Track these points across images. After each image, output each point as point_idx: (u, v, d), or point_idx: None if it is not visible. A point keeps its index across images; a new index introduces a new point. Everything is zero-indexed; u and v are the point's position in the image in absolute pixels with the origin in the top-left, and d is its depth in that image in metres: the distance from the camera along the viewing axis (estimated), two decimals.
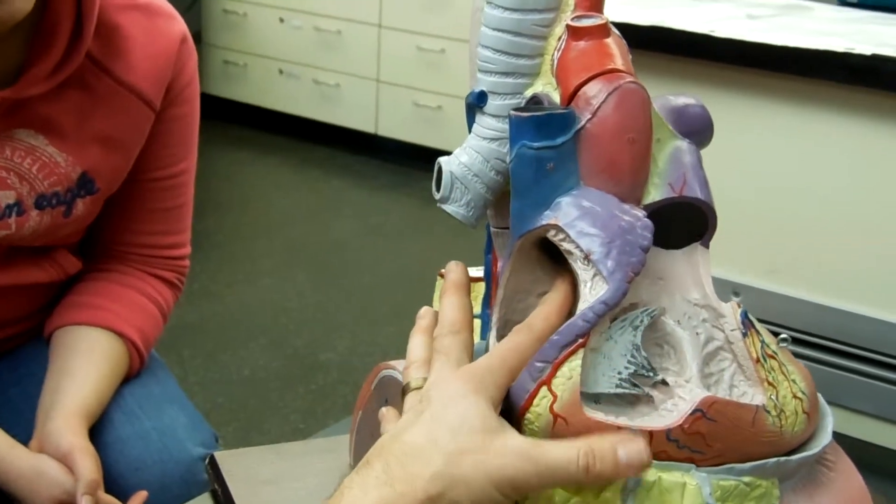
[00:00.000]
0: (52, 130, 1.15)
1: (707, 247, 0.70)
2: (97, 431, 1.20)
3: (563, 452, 0.60)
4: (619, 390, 0.63)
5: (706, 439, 0.61)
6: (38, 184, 1.16)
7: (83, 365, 1.21)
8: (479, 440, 0.60)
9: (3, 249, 1.20)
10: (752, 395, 0.64)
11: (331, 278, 3.44)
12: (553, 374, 0.63)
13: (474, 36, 0.71)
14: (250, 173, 4.44)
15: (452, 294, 0.71)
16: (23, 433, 1.15)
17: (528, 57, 0.69)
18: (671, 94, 0.72)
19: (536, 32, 0.69)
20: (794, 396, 0.65)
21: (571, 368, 0.62)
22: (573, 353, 0.63)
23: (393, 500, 0.59)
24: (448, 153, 0.72)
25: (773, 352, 0.67)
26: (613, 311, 0.64)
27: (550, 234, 0.66)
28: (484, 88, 0.70)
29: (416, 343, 0.70)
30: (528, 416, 0.63)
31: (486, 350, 0.69)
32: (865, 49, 1.26)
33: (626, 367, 0.64)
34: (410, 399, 0.66)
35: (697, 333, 0.66)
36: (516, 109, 0.66)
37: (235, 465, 1.00)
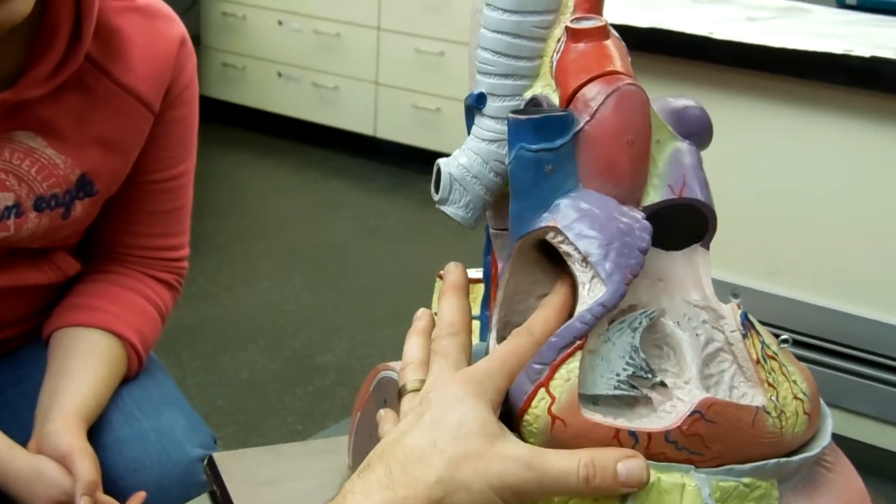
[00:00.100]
0: (51, 132, 1.15)
1: (707, 248, 0.70)
2: (96, 433, 1.20)
3: (564, 463, 0.60)
4: (618, 392, 0.63)
5: (705, 441, 0.61)
6: (37, 186, 1.16)
7: (82, 366, 1.21)
8: (479, 445, 0.60)
9: (2, 251, 1.20)
10: (753, 397, 0.64)
11: (329, 280, 3.44)
12: (551, 376, 0.62)
13: (474, 38, 0.71)
14: (249, 175, 4.44)
15: (451, 295, 0.71)
16: (21, 434, 1.16)
17: (527, 59, 0.69)
18: (670, 96, 0.72)
19: (535, 34, 0.69)
20: (795, 397, 0.65)
21: (569, 370, 0.62)
22: (571, 354, 0.63)
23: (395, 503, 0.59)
24: (447, 155, 0.72)
25: (774, 353, 0.67)
26: (612, 312, 0.64)
27: (549, 236, 0.66)
28: (483, 90, 0.70)
29: (413, 344, 0.70)
30: (526, 417, 0.63)
31: (486, 352, 0.69)
32: (864, 51, 1.26)
33: (625, 369, 0.64)
34: (408, 401, 0.66)
35: (697, 335, 0.66)
36: (515, 112, 0.66)
37: (234, 466, 1.00)
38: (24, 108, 1.13)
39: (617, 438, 0.61)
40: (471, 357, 0.68)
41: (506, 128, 0.67)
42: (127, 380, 1.28)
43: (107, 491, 1.13)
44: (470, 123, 0.72)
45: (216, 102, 4.82)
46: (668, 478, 0.61)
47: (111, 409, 1.24)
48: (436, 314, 0.71)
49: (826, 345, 1.33)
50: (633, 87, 0.65)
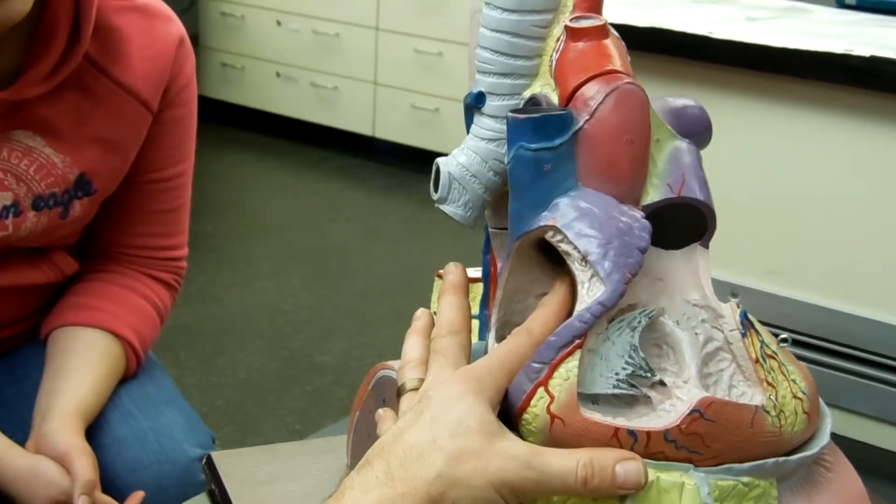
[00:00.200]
0: (49, 132, 1.15)
1: (706, 247, 0.70)
2: (94, 432, 1.20)
3: (563, 462, 0.60)
4: (617, 391, 0.63)
5: (704, 440, 0.61)
6: (36, 185, 1.16)
7: (80, 366, 1.21)
8: (479, 442, 0.60)
9: (0, 251, 1.20)
10: (752, 396, 0.64)
11: (327, 281, 3.44)
12: (550, 375, 0.62)
13: (473, 37, 0.71)
14: (248, 175, 4.44)
15: (451, 295, 0.71)
16: (20, 434, 1.16)
17: (526, 58, 0.69)
18: (670, 96, 0.71)
19: (535, 33, 0.68)
20: (794, 396, 0.65)
21: (568, 369, 0.62)
22: (570, 353, 0.63)
23: (394, 500, 0.59)
24: (445, 156, 0.72)
25: (773, 352, 0.67)
26: (611, 311, 0.64)
27: (548, 236, 0.66)
28: (482, 89, 0.70)
29: (412, 344, 0.70)
30: (525, 416, 0.63)
31: (485, 351, 0.69)
32: (864, 51, 1.26)
33: (624, 368, 0.64)
34: (407, 400, 0.66)
35: (696, 334, 0.66)
36: (514, 111, 0.66)
37: (232, 465, 1.00)
38: (23, 108, 1.13)
39: (616, 437, 0.61)
40: (470, 356, 0.68)
41: (505, 127, 0.67)
42: (125, 379, 1.28)
43: (105, 490, 1.13)
44: (469, 122, 0.72)
45: (215, 102, 4.82)
46: (667, 477, 0.61)
47: (109, 409, 1.24)
48: (435, 313, 0.71)
49: (825, 344, 1.33)
50: (632, 86, 0.65)
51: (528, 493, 0.61)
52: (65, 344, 1.24)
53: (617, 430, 0.61)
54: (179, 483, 1.20)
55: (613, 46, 0.67)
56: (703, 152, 0.71)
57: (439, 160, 0.71)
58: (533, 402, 0.63)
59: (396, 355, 0.73)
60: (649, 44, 1.35)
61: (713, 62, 1.35)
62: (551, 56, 0.68)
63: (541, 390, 0.62)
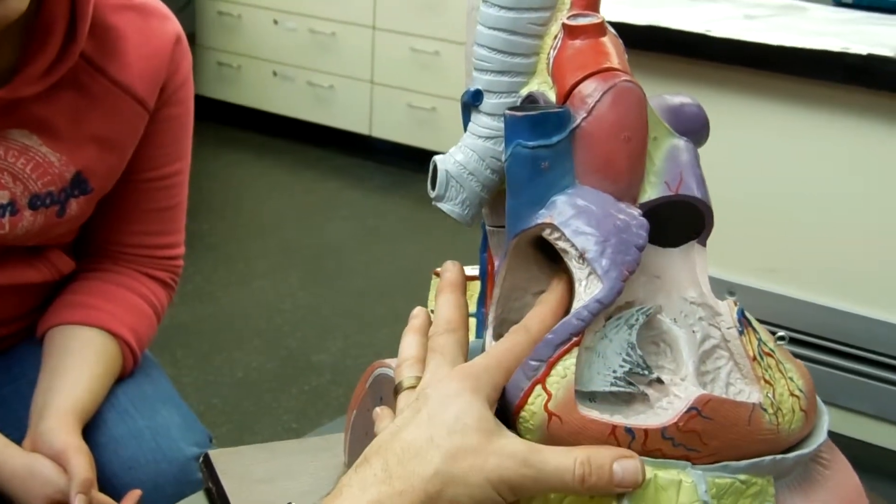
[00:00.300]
0: (45, 130, 1.15)
1: (704, 245, 0.70)
2: (91, 431, 1.20)
3: (561, 460, 0.60)
4: (614, 388, 0.63)
5: (701, 437, 0.61)
6: (32, 184, 1.16)
7: (76, 364, 1.21)
8: (476, 440, 0.60)
9: None
10: (749, 393, 0.64)
11: (325, 280, 3.44)
12: (547, 373, 0.62)
13: (470, 35, 0.71)
14: (244, 175, 4.44)
15: (448, 292, 0.71)
16: (16, 432, 1.15)
17: (523, 55, 0.69)
18: (667, 94, 0.71)
19: (532, 31, 0.68)
20: (792, 394, 0.65)
21: (566, 367, 0.62)
22: (567, 351, 0.63)
23: (392, 497, 0.59)
24: (443, 154, 0.72)
25: (771, 350, 0.67)
26: (608, 309, 0.64)
27: (546, 233, 0.66)
28: (479, 87, 0.70)
29: (409, 342, 0.70)
30: (522, 414, 0.63)
31: (483, 349, 0.69)
32: (861, 49, 1.26)
33: (622, 366, 0.64)
34: (405, 398, 0.66)
35: (694, 331, 0.66)
36: (511, 108, 0.66)
37: (230, 463, 1.00)
38: (19, 106, 1.13)
39: (613, 435, 0.61)
40: (467, 354, 0.68)
41: (502, 124, 0.67)
42: (122, 378, 1.28)
43: (102, 489, 1.13)
44: (466, 120, 0.72)
45: (211, 101, 4.82)
46: (664, 474, 0.61)
47: (106, 408, 1.23)
48: (432, 311, 0.71)
49: (823, 342, 1.34)
50: (629, 83, 0.65)
51: (525, 490, 0.61)
52: (61, 342, 1.24)
53: (614, 427, 0.61)
54: (176, 481, 1.20)
55: (611, 44, 0.67)
56: (700, 150, 0.71)
57: (436, 158, 0.71)
58: (530, 399, 0.62)
59: (394, 354, 0.73)
60: (647, 41, 1.35)
61: (711, 60, 1.35)
62: (549, 54, 0.68)
63: (538, 388, 0.62)
